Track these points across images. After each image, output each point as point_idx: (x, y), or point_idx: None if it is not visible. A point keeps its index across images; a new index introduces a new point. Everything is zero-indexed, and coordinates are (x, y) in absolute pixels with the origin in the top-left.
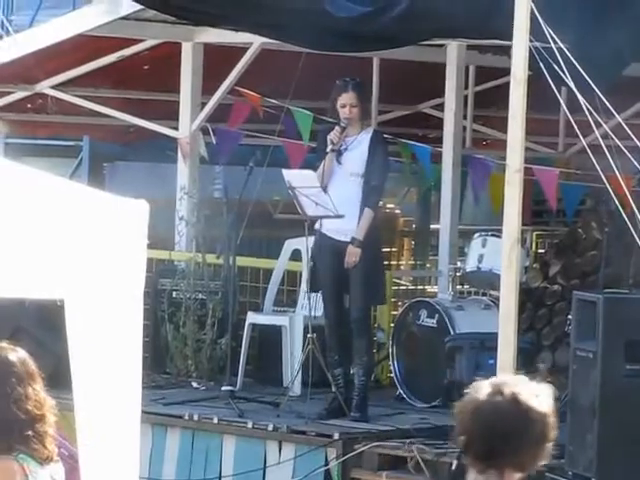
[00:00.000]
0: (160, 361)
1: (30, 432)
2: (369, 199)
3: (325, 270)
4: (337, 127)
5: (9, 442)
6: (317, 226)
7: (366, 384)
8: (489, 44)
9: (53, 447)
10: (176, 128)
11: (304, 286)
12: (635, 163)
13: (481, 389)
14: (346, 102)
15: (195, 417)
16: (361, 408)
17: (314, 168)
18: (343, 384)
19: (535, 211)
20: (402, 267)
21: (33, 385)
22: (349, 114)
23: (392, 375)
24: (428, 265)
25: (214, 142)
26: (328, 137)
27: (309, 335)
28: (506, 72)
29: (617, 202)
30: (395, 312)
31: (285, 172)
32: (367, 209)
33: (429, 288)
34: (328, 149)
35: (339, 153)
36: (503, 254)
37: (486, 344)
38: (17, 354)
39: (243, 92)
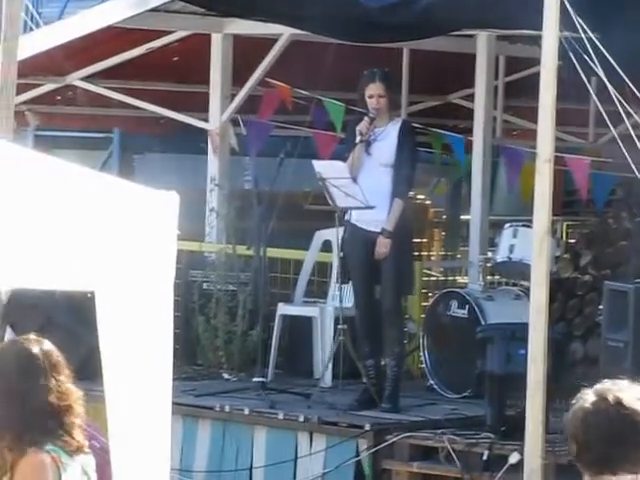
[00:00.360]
0: (191, 353)
1: (56, 424)
2: (399, 189)
3: (356, 261)
4: (366, 118)
5: (35, 435)
6: (347, 217)
7: (398, 375)
8: (519, 34)
9: (82, 438)
10: (206, 120)
11: (334, 277)
12: None
13: (586, 398)
14: (374, 93)
15: (226, 408)
16: (393, 399)
17: (344, 159)
18: (374, 375)
19: (565, 201)
20: (432, 258)
21: (57, 377)
22: (377, 104)
23: (423, 366)
24: (459, 256)
25: (244, 133)
26: (357, 128)
27: (340, 326)
28: (536, 62)
29: None
30: (426, 303)
31: (315, 163)
32: (397, 199)
33: (460, 279)
34: (357, 140)
35: (368, 144)
36: (534, 244)
37: (517, 335)
38: (41, 346)
39: (273, 83)
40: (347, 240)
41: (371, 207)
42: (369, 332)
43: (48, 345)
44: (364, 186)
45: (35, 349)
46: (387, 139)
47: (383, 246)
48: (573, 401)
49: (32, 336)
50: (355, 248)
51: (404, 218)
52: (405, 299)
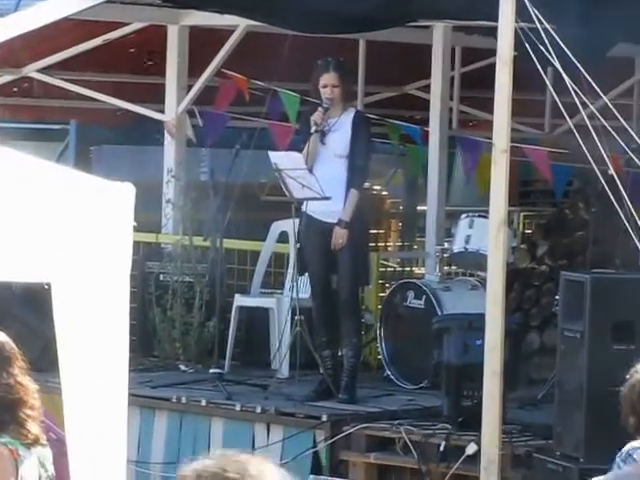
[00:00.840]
0: (148, 344)
1: (8, 417)
2: (354, 180)
3: (312, 252)
4: (319, 108)
5: None
6: (303, 208)
7: (355, 366)
8: (475, 25)
9: (37, 430)
10: (162, 111)
11: (291, 268)
12: (622, 143)
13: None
14: (327, 82)
15: (183, 400)
16: (349, 390)
17: (300, 150)
18: (331, 366)
19: (522, 192)
20: (389, 249)
21: (8, 369)
22: (330, 94)
23: (380, 357)
24: (415, 247)
25: (200, 125)
26: (311, 118)
27: (297, 317)
28: (492, 53)
29: (604, 182)
30: (382, 294)
31: (271, 154)
32: (352, 190)
33: (416, 269)
34: (312, 130)
35: (323, 134)
36: (490, 235)
37: (474, 325)
38: None
39: (229, 74)
40: (303, 231)
41: (327, 198)
42: (326, 323)
43: (1, 337)
44: (319, 177)
45: None
46: (341, 129)
47: (340, 237)
48: (627, 376)
49: None
50: (311, 239)
51: (360, 209)
52: (362, 290)
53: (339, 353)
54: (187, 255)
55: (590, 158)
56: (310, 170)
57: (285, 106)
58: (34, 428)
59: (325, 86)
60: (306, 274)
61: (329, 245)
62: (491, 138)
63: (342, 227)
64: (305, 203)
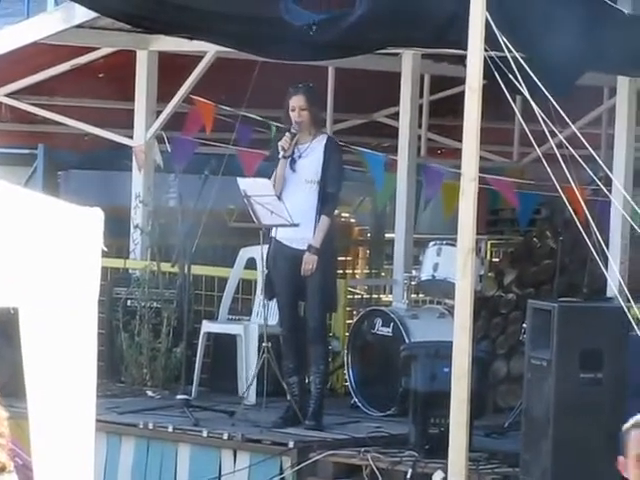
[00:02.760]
0: (115, 370)
1: None
2: (325, 207)
3: (280, 278)
4: (287, 133)
5: None
6: (272, 234)
7: (322, 392)
8: (444, 53)
9: (5, 458)
10: (131, 136)
11: (259, 294)
12: (589, 172)
13: None
14: (295, 105)
15: (150, 426)
16: (316, 416)
17: (269, 176)
18: (298, 392)
19: (490, 220)
20: (357, 276)
21: None
22: (299, 117)
23: (347, 384)
24: (383, 274)
25: (169, 150)
26: (279, 144)
27: (264, 344)
28: (461, 81)
29: (571, 211)
30: (350, 321)
31: (240, 180)
32: (324, 216)
33: (384, 297)
34: (279, 155)
35: (293, 160)
36: (458, 263)
37: (441, 353)
38: None
39: (196, 100)
40: (271, 257)
41: (295, 225)
42: (293, 349)
43: None
44: (289, 203)
45: None
46: (311, 155)
47: (310, 262)
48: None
49: None
50: (279, 265)
51: (329, 236)
52: (329, 317)
53: (305, 380)
54: (155, 281)
55: (558, 187)
56: (279, 196)
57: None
58: (2, 456)
59: (294, 109)
60: (274, 300)
61: (298, 271)
62: (459, 166)
63: (312, 253)
64: (275, 229)
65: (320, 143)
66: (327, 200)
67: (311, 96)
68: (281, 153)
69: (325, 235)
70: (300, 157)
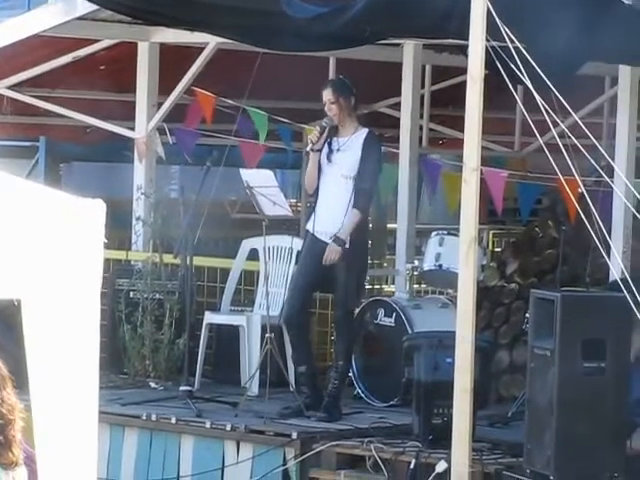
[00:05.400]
0: (118, 361)
1: (1, 437)
2: (358, 201)
3: (305, 265)
4: (317, 127)
5: None
6: (309, 228)
7: (339, 388)
8: (445, 43)
9: (19, 452)
10: (132, 128)
11: (261, 285)
12: (592, 161)
13: None
14: (325, 99)
15: (153, 417)
16: (329, 409)
17: (270, 168)
18: (305, 382)
19: (492, 210)
20: None
21: (6, 389)
22: (329, 111)
23: (350, 374)
24: (385, 264)
25: (171, 142)
26: (308, 137)
27: (267, 335)
28: (463, 71)
29: (574, 200)
30: None
31: (243, 171)
32: (354, 209)
33: (386, 287)
34: (307, 148)
35: (330, 151)
36: (460, 253)
37: (444, 343)
38: None
39: (197, 92)
40: (305, 249)
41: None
42: (297, 337)
43: None
44: (324, 195)
45: None
46: (350, 150)
47: (333, 253)
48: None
49: None
50: (310, 257)
51: (362, 231)
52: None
53: (308, 370)
54: (157, 272)
55: (561, 176)
56: (316, 189)
57: (255, 124)
58: (17, 450)
59: (325, 103)
60: (277, 290)
61: (328, 265)
62: (461, 156)
63: (337, 244)
64: (311, 223)
65: (360, 138)
66: (360, 195)
67: (338, 89)
68: (309, 146)
69: (356, 230)
70: (339, 150)
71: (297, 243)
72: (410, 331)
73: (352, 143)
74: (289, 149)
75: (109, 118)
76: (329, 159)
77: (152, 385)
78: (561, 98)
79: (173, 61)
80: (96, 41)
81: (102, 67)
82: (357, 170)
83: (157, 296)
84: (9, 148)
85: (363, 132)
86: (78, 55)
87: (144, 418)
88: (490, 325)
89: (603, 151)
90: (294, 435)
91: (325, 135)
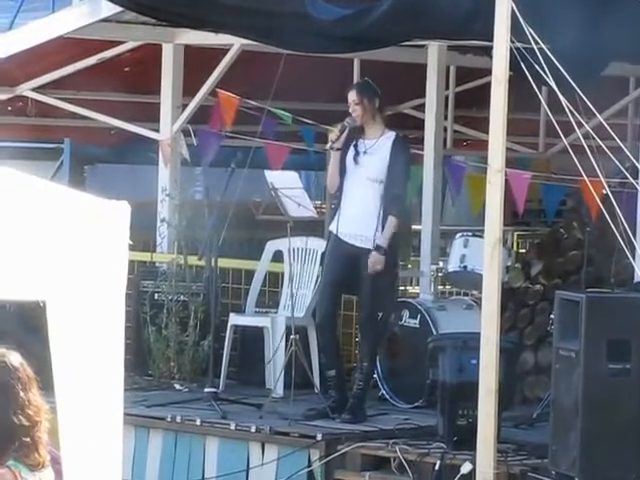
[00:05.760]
0: (142, 363)
1: (27, 438)
2: (392, 207)
3: (332, 269)
4: (338, 126)
5: (5, 449)
6: (332, 229)
7: (364, 390)
8: (470, 45)
9: (45, 453)
10: (157, 130)
11: (286, 287)
12: (616, 162)
13: None
14: (350, 100)
15: (178, 419)
16: (354, 411)
17: (295, 169)
18: (334, 386)
19: (515, 212)
20: None
21: (32, 390)
22: (353, 112)
23: (375, 376)
24: (410, 266)
25: (195, 144)
26: (329, 136)
27: (292, 336)
28: (487, 72)
29: (598, 202)
30: None
31: (267, 173)
32: (391, 217)
33: (411, 289)
34: (327, 146)
35: (357, 153)
36: (485, 254)
37: (469, 344)
38: (18, 358)
39: (221, 94)
40: (329, 252)
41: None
42: (327, 342)
43: (19, 358)
44: (350, 197)
45: (15, 361)
46: (378, 153)
47: (378, 262)
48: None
49: (3, 349)
50: (335, 259)
51: (394, 238)
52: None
53: (333, 373)
54: (182, 274)
55: (585, 177)
56: (340, 189)
57: (280, 120)
58: (43, 451)
59: (349, 105)
60: (301, 292)
61: (352, 267)
62: (486, 158)
63: (381, 253)
64: (335, 225)
65: (388, 141)
66: (394, 201)
67: (363, 90)
68: (328, 144)
69: (392, 236)
70: (365, 153)
71: (320, 244)
72: (435, 332)
73: (379, 146)
74: (310, 150)
75: (133, 120)
76: (355, 161)
77: (177, 387)
78: (585, 99)
79: (197, 63)
80: (121, 43)
81: (127, 69)
82: (387, 175)
83: (182, 298)
84: (34, 150)
85: (391, 135)
86: (103, 57)
87: (169, 420)
88: (515, 326)
89: (628, 152)
90: (319, 437)
91: (345, 134)
